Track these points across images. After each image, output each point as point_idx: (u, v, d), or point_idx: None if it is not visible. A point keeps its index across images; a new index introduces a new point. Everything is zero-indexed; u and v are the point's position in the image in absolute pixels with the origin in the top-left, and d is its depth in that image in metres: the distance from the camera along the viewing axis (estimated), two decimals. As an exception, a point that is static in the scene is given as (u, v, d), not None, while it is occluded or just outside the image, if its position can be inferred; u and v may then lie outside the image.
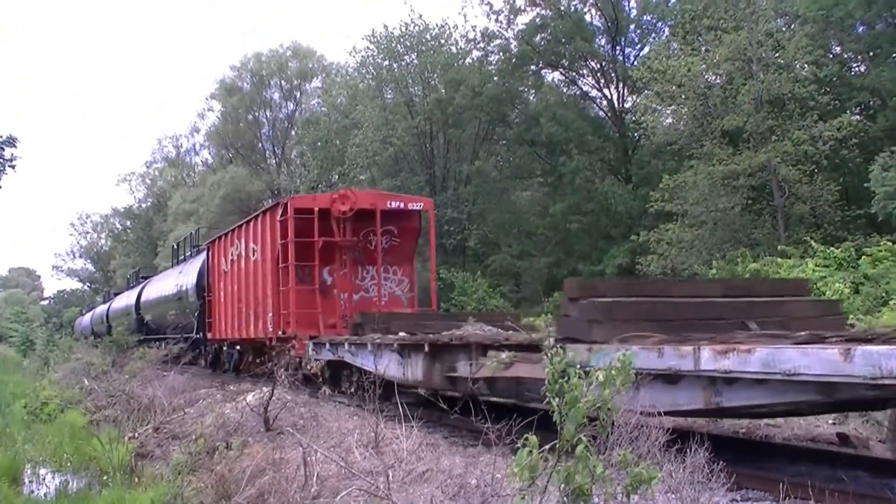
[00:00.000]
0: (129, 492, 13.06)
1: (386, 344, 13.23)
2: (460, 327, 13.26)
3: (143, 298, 38.30)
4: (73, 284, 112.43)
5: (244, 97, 65.59)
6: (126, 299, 44.17)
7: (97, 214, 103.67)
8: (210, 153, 77.86)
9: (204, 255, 28.10)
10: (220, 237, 25.93)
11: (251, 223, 21.83)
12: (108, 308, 49.64)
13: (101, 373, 26.84)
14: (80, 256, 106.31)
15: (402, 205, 20.06)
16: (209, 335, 26.60)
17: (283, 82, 65.89)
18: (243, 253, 22.35)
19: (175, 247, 38.79)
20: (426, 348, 11.92)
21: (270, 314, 19.70)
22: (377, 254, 19.82)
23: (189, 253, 33.57)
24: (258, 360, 16.48)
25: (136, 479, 14.45)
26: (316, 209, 18.67)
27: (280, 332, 18.70)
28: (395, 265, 20.47)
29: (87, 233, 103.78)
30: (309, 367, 15.74)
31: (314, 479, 9.61)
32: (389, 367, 12.92)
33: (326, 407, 14.81)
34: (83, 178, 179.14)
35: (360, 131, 41.61)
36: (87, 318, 61.50)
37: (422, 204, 20.93)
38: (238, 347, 23.99)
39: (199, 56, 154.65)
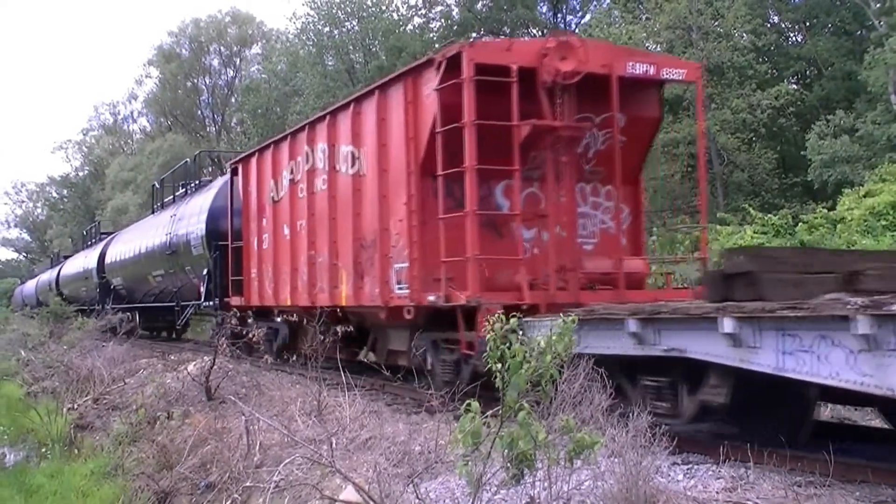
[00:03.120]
0: (69, 463, 12.96)
1: None
2: None
3: (108, 259, 31.57)
4: (8, 254, 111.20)
5: (182, 63, 64.48)
6: (83, 261, 37.96)
7: (32, 183, 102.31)
8: (148, 120, 76.74)
9: (219, 186, 20.84)
10: (261, 150, 17.24)
11: (343, 112, 13.11)
12: (59, 273, 43.90)
13: (39, 344, 26.46)
14: (16, 226, 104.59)
15: (651, 69, 11.10)
16: (238, 300, 17.68)
17: (222, 48, 64.86)
18: (322, 165, 13.84)
19: (157, 186, 30.63)
20: None
21: (399, 265, 11.31)
22: (614, 159, 11.12)
23: (182, 191, 25.57)
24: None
25: (76, 451, 14.35)
26: (514, 67, 9.97)
27: (435, 298, 10.38)
28: (609, 183, 11.44)
29: (23, 202, 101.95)
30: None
31: (257, 447, 9.60)
32: None
33: (269, 375, 14.75)
34: (17, 145, 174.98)
35: (301, 98, 41.26)
36: (30, 286, 57.09)
37: (684, 71, 11.60)
38: (292, 319, 14.99)
39: (137, 21, 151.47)
